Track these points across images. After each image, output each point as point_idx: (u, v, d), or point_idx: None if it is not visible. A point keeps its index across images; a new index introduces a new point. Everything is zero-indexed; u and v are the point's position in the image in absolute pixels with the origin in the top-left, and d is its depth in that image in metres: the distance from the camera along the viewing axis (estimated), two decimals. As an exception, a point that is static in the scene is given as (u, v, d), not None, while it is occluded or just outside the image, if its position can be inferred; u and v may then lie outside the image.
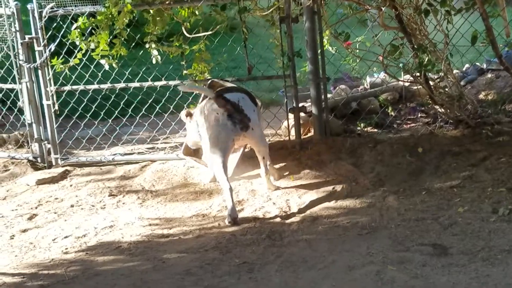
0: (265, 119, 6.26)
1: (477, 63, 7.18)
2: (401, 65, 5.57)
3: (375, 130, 6.08)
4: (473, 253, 3.61)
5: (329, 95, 6.59)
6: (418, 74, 5.51)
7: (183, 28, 5.68)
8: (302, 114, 5.95)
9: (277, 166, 5.55)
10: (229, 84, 5.54)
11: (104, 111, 6.67)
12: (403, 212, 4.42)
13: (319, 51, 5.63)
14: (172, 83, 6.19)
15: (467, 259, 3.55)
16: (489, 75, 6.83)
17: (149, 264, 3.96)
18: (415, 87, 6.47)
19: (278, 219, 4.60)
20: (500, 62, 5.45)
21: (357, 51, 5.84)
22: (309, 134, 6.13)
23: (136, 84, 6.28)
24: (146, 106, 6.44)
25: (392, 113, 6.34)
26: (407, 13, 5.20)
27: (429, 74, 5.61)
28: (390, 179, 5.04)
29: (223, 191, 4.81)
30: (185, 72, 6.05)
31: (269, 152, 5.09)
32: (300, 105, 5.89)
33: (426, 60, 5.14)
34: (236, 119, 4.73)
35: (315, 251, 3.96)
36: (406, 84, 6.46)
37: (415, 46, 5.28)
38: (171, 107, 6.44)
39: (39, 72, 6.25)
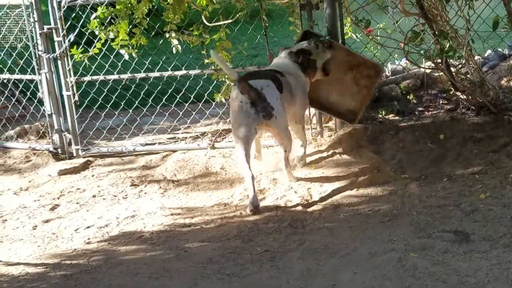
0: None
1: (499, 49, 7.11)
2: (422, 51, 5.52)
3: (397, 117, 6.03)
4: (494, 239, 3.60)
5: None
6: (439, 60, 5.47)
7: (202, 16, 5.68)
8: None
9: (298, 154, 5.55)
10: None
11: (124, 101, 6.67)
12: (425, 199, 4.40)
13: (340, 38, 5.59)
14: (192, 72, 6.19)
15: (489, 246, 3.54)
16: (511, 61, 6.77)
17: (171, 253, 4.00)
18: (437, 74, 6.42)
19: (299, 208, 4.61)
20: (521, 47, 5.40)
21: (378, 38, 5.79)
22: (331, 122, 6.11)
23: (156, 74, 6.30)
24: (166, 96, 6.45)
25: (414, 100, 6.29)
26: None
27: (451, 60, 5.56)
28: (412, 166, 5.01)
29: (245, 180, 4.82)
30: (206, 61, 6.04)
31: (290, 150, 5.03)
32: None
33: (447, 46, 5.09)
34: (259, 107, 4.64)
35: (337, 238, 3.97)
36: (428, 70, 6.41)
37: (436, 32, 5.24)
38: (192, 96, 6.45)
39: (59, 62, 6.28)
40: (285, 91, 4.91)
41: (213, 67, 6.01)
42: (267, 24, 5.47)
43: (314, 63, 5.26)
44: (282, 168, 5.04)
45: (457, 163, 4.95)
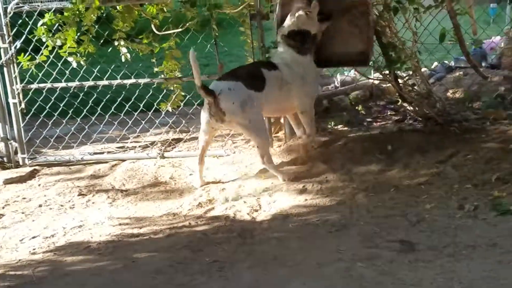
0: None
1: (446, 61, 7.26)
2: (371, 63, 5.59)
3: (346, 128, 6.09)
4: (439, 249, 3.64)
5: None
6: (387, 72, 5.54)
7: (152, 25, 5.65)
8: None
9: (247, 164, 5.56)
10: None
11: (72, 109, 6.58)
12: (373, 209, 4.43)
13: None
14: (142, 81, 6.15)
15: (434, 255, 3.57)
16: (457, 73, 6.92)
17: (119, 264, 3.93)
18: (385, 85, 6.51)
19: (249, 218, 4.59)
20: (468, 59, 5.51)
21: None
22: (280, 133, 6.14)
23: (105, 82, 6.23)
24: (115, 105, 6.39)
25: (363, 111, 6.37)
26: (376, 10, 5.21)
27: (398, 72, 5.64)
28: (360, 177, 5.04)
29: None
30: (155, 69, 6.01)
31: (264, 147, 5.14)
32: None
33: (395, 58, 5.18)
34: (212, 111, 4.92)
35: (285, 248, 3.95)
36: (376, 82, 6.51)
37: (384, 44, 5.31)
38: (141, 105, 6.40)
39: (5, 69, 6.16)
40: (269, 88, 5.09)
41: (162, 76, 5.98)
42: (217, 34, 5.46)
43: (314, 38, 5.28)
44: (266, 166, 5.17)
45: (405, 173, 4.99)
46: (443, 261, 3.49)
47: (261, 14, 5.49)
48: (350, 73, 6.96)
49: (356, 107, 6.42)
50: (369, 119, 6.32)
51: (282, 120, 5.97)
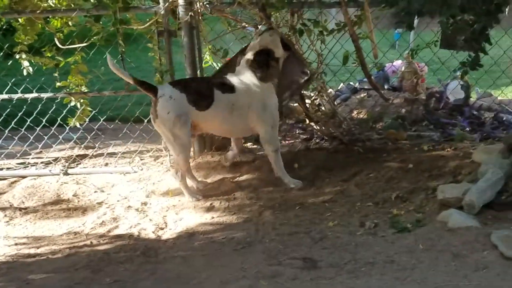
0: (143, 133, 6.23)
1: (351, 83, 7.45)
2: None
3: (255, 146, 6.13)
4: (340, 266, 3.70)
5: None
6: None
7: (55, 38, 5.53)
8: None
9: (155, 181, 5.50)
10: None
11: (-30, 124, 6.33)
12: (278, 226, 4.46)
13: (198, 66, 5.62)
14: (44, 95, 5.98)
15: (335, 272, 3.62)
16: (362, 94, 7.12)
17: (13, 286, 3.76)
18: (294, 105, 6.60)
19: (154, 236, 4.54)
20: (370, 82, 5.69)
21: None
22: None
23: (4, 96, 6.02)
24: (16, 119, 6.18)
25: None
26: (283, 32, 5.29)
27: (305, 92, 5.75)
28: (267, 194, 5.09)
29: None
30: (58, 84, 5.87)
31: (181, 163, 5.07)
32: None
33: (301, 78, 5.27)
34: (152, 109, 4.95)
35: (190, 267, 3.92)
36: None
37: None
38: (44, 120, 6.23)
39: None
40: (215, 109, 4.98)
41: (66, 90, 5.85)
42: (123, 49, 5.39)
43: (277, 62, 5.17)
44: (177, 181, 5.14)
45: (310, 191, 5.08)
46: (344, 278, 3.55)
47: (169, 31, 5.47)
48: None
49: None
50: (278, 138, 6.37)
51: (190, 138, 5.94)
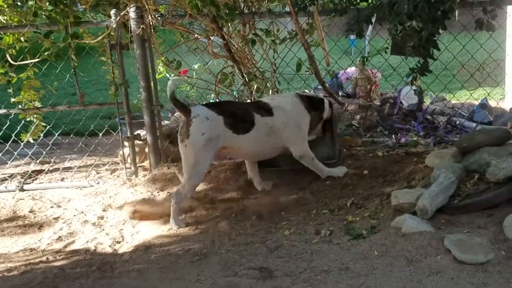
0: (99, 147, 6.19)
1: (306, 90, 7.51)
2: (234, 92, 5.70)
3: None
4: (295, 274, 3.71)
5: (167, 122, 6.61)
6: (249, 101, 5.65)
7: (7, 55, 5.47)
8: (138, 141, 5.91)
9: (112, 194, 5.46)
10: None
11: None
12: (234, 237, 4.46)
13: (151, 78, 5.61)
14: (-3, 112, 5.92)
15: (290, 281, 3.64)
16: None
17: (-33, 305, 3.73)
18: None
19: (110, 250, 4.50)
20: (324, 88, 5.74)
21: (189, 79, 5.91)
22: (146, 162, 6.09)
23: (-45, 113, 5.94)
24: (-32, 136, 6.11)
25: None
26: (235, 42, 5.33)
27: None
28: (224, 205, 5.09)
29: None
30: (12, 100, 5.80)
31: (189, 187, 4.85)
32: (136, 132, 5.86)
33: (255, 87, 5.31)
34: (182, 130, 4.75)
35: (146, 280, 3.90)
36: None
37: (244, 74, 5.43)
38: (-3, 137, 6.17)
39: None
40: (255, 132, 4.90)
41: (20, 106, 5.79)
42: (76, 64, 5.36)
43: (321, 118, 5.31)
44: (174, 199, 4.83)
45: (266, 200, 5.08)
46: (299, 287, 3.57)
47: (121, 44, 5.45)
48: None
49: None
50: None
51: (146, 149, 5.92)
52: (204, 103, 4.99)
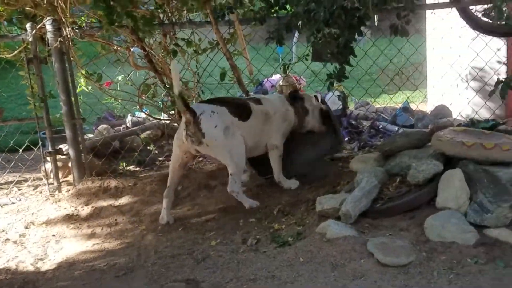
0: (19, 163, 6.03)
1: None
2: (160, 104, 5.66)
3: (138, 168, 6.07)
4: (222, 285, 3.69)
5: (91, 135, 6.52)
6: (172, 112, 5.62)
7: None
8: (60, 156, 5.80)
9: (34, 211, 5.32)
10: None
11: None
12: (161, 249, 4.41)
13: (71, 92, 5.51)
14: None
15: (217, 291, 3.63)
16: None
17: None
18: (177, 124, 6.59)
19: (32, 268, 4.37)
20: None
21: (112, 91, 5.83)
22: (69, 177, 5.97)
23: None
24: None
25: (155, 151, 6.38)
26: (157, 53, 5.29)
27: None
28: (150, 217, 5.04)
29: None
30: None
31: (238, 177, 4.79)
32: (59, 146, 5.75)
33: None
34: (190, 131, 4.60)
35: (69, 298, 3.83)
36: (167, 121, 6.57)
37: (166, 85, 5.40)
38: None
39: None
40: (254, 119, 4.97)
41: None
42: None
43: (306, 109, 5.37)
44: (233, 193, 4.80)
45: (193, 211, 5.08)
46: (226, 297, 3.56)
47: (38, 58, 5.33)
48: (141, 114, 6.97)
49: (148, 147, 6.42)
50: (161, 158, 6.35)
51: (70, 164, 5.80)
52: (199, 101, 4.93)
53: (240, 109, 4.92)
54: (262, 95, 5.37)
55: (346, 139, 6.39)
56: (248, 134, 4.95)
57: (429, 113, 7.52)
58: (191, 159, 5.07)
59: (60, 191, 5.66)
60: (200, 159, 6.04)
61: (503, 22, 4.46)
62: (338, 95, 7.03)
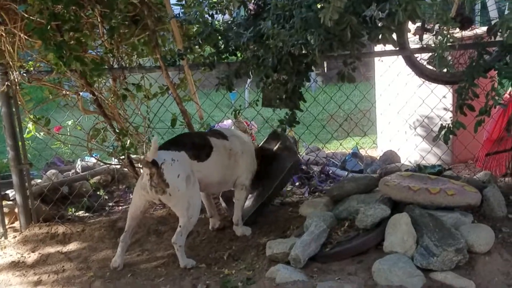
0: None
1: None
2: (110, 148, 5.62)
3: (87, 214, 5.99)
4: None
5: (39, 180, 6.42)
6: (123, 157, 5.59)
7: None
8: (6, 202, 5.70)
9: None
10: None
11: None
12: (108, 297, 4.36)
13: (18, 136, 5.45)
14: None
15: None
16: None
17: None
18: (124, 169, 6.55)
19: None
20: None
21: (62, 136, 5.77)
22: (16, 223, 5.85)
23: None
24: None
25: (105, 196, 6.32)
26: (106, 97, 5.28)
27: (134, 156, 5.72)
28: (98, 263, 4.96)
29: None
30: None
31: (187, 230, 4.71)
32: (6, 192, 5.66)
33: (128, 143, 5.26)
34: (153, 182, 4.51)
35: None
36: (118, 166, 6.51)
37: (116, 130, 5.37)
38: None
39: None
40: (215, 156, 4.91)
41: None
42: None
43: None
44: (175, 246, 4.67)
45: (142, 257, 5.02)
46: None
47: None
48: (91, 159, 6.89)
49: (98, 192, 6.35)
50: (111, 204, 6.28)
51: (16, 210, 5.69)
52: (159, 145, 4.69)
53: (198, 149, 4.86)
54: (231, 130, 5.39)
55: (297, 184, 6.42)
56: (212, 171, 4.92)
57: (378, 158, 7.64)
58: (151, 207, 5.06)
59: (6, 238, 5.53)
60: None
61: (445, 70, 4.59)
62: (289, 141, 7.07)
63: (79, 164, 6.92)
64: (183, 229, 4.66)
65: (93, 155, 6.18)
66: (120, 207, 6.17)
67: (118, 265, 4.79)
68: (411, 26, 4.99)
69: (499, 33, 4.41)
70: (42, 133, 5.60)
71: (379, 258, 4.02)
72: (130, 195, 6.35)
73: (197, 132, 5.44)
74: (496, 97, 4.42)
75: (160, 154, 4.57)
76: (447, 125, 4.51)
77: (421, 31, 4.98)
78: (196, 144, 4.91)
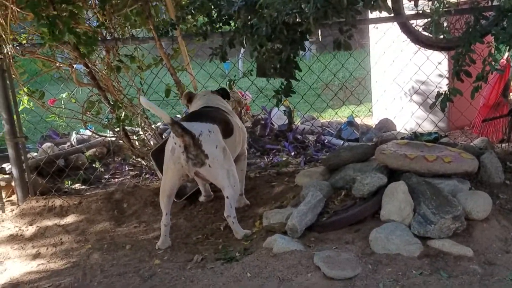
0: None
1: (178, 115, 7.49)
2: (105, 120, 5.60)
3: (83, 186, 5.99)
4: (167, 303, 3.67)
5: (35, 154, 6.40)
6: (118, 129, 5.57)
7: None
8: (3, 175, 5.69)
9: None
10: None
11: None
12: (107, 268, 4.35)
13: (13, 109, 5.41)
14: None
15: (164, 310, 3.60)
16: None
17: None
18: (120, 142, 6.53)
19: (-28, 293, 4.27)
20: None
21: (56, 109, 5.74)
22: (13, 196, 5.85)
23: None
24: None
25: (101, 168, 6.31)
26: (100, 69, 5.23)
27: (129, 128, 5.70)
28: (96, 236, 4.97)
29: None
30: None
31: (234, 199, 4.58)
32: (2, 166, 5.64)
33: (122, 115, 5.23)
34: (191, 154, 4.34)
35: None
36: (113, 138, 6.49)
37: (111, 102, 5.34)
38: None
39: None
40: (236, 134, 4.86)
41: None
42: None
43: None
44: (229, 219, 4.55)
45: (139, 229, 5.03)
46: (172, 315, 3.52)
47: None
48: (86, 131, 6.88)
49: (94, 165, 6.34)
50: (107, 176, 6.27)
51: (13, 183, 5.69)
52: (190, 117, 4.67)
53: (225, 126, 4.76)
54: (225, 106, 5.17)
55: (292, 153, 6.42)
56: (231, 149, 4.79)
57: (373, 126, 7.63)
58: (184, 182, 4.86)
59: (3, 211, 5.53)
60: (147, 176, 6.00)
61: (441, 36, 4.55)
62: (284, 110, 7.07)
63: (74, 136, 6.90)
64: (231, 200, 4.53)
65: (88, 128, 6.15)
66: (116, 179, 6.16)
67: (168, 245, 4.66)
68: (406, -8, 4.95)
69: (495, -2, 4.37)
70: (32, 104, 5.56)
71: (376, 226, 4.01)
72: (126, 167, 6.35)
73: (215, 108, 5.11)
74: (493, 63, 4.38)
75: (195, 126, 4.44)
76: (444, 92, 4.49)
77: (416, -3, 4.93)
78: (222, 120, 4.79)
